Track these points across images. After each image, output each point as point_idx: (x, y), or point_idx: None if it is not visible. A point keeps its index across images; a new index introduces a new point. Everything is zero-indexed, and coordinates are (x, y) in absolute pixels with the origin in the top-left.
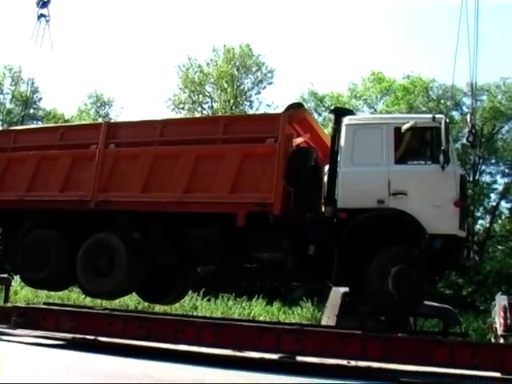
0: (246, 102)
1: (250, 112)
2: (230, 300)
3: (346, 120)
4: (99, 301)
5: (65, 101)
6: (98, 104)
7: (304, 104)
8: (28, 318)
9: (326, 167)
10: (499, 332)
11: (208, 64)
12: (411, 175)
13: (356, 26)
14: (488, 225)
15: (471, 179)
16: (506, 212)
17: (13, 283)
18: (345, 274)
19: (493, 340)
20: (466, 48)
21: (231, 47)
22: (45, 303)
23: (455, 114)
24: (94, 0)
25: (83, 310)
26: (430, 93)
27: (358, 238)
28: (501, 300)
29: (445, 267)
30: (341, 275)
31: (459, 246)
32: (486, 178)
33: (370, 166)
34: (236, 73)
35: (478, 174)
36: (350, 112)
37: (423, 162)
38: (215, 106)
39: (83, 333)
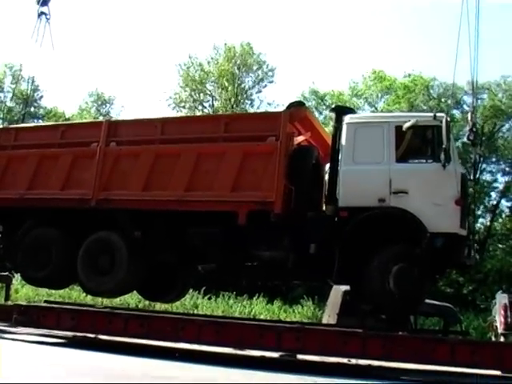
0: (246, 101)
1: (251, 110)
2: (230, 298)
3: (347, 118)
4: (100, 299)
5: (66, 99)
6: (99, 102)
7: (305, 102)
8: (29, 316)
9: (327, 166)
10: (499, 330)
11: (209, 62)
12: (412, 174)
13: (357, 25)
14: (488, 223)
15: (472, 178)
16: (507, 210)
17: (13, 281)
18: (346, 273)
19: (493, 338)
20: (466, 46)
21: (232, 46)
22: (45, 301)
23: (456, 113)
24: None
25: (84, 308)
26: (431, 91)
27: (359, 237)
28: (501, 298)
29: (446, 266)
30: (342, 274)
31: (460, 245)
32: (487, 177)
33: (371, 165)
34: (237, 71)
35: (478, 172)
36: (351, 110)
37: (424, 161)
38: (216, 104)
39: (84, 331)
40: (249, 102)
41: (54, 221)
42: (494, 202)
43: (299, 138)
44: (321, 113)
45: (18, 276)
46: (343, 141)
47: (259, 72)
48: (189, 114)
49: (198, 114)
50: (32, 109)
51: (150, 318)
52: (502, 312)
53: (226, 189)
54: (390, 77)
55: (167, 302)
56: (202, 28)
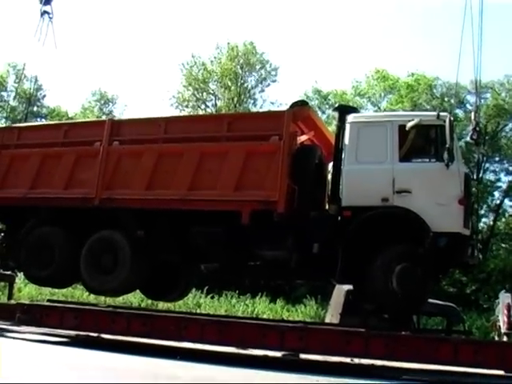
0: (249, 100)
1: (254, 110)
2: (233, 298)
3: (351, 118)
4: (103, 298)
5: (68, 98)
6: (102, 101)
7: (308, 102)
8: (32, 315)
9: (330, 165)
10: (503, 330)
11: (212, 62)
12: (415, 173)
13: (360, 24)
14: (492, 223)
15: (475, 177)
16: (510, 210)
17: (17, 280)
18: (349, 272)
19: (496, 338)
20: (470, 46)
21: (235, 45)
22: (49, 300)
23: (459, 112)
24: None
25: (87, 307)
26: (434, 91)
27: (362, 236)
28: (504, 298)
29: (449, 265)
30: (345, 273)
31: (463, 244)
32: (490, 176)
33: (375, 164)
34: (240, 70)
35: (481, 171)
36: (354, 110)
37: (427, 160)
38: (219, 103)
39: (87, 330)
40: (252, 102)
41: (57, 220)
42: (498, 202)
43: (302, 138)
44: (324, 112)
45: (21, 275)
46: (346, 140)
47: (262, 71)
48: (192, 114)
49: (201, 113)
50: (35, 108)
51: (152, 317)
52: (505, 311)
53: (229, 188)
54: (393, 76)
55: (170, 301)
56: (205, 27)
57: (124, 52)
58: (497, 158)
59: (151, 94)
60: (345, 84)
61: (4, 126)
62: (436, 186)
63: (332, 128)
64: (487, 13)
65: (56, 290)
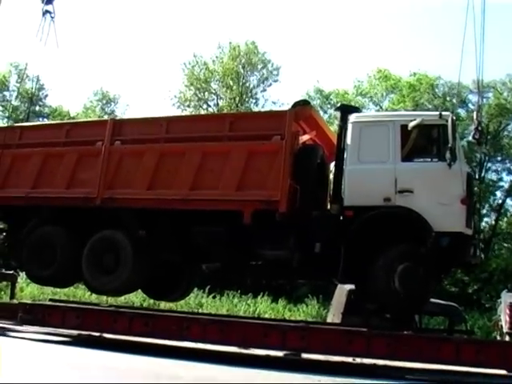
0: (251, 100)
1: (256, 109)
2: (235, 297)
3: (353, 118)
4: (105, 298)
5: (70, 98)
6: (104, 101)
7: (310, 101)
8: (34, 315)
9: (332, 165)
10: (505, 330)
11: (214, 61)
12: (418, 173)
13: (362, 24)
14: (494, 222)
15: (477, 177)
16: None
17: (19, 280)
18: (351, 272)
19: (498, 338)
20: (472, 45)
21: (237, 44)
22: (51, 300)
23: (461, 112)
24: None
25: (89, 306)
26: (436, 90)
27: (364, 236)
28: (506, 297)
29: (451, 265)
30: (347, 273)
31: (466, 244)
32: (492, 176)
33: (377, 164)
34: (242, 70)
35: (483, 171)
36: (356, 109)
37: (430, 160)
38: (221, 103)
39: (89, 329)
40: (253, 101)
41: (58, 219)
42: (500, 201)
43: (304, 137)
44: (325, 112)
45: (23, 274)
46: (348, 140)
47: (264, 71)
48: (194, 113)
49: (203, 112)
50: (37, 107)
51: (154, 317)
52: (508, 311)
53: (231, 188)
54: (395, 76)
55: (172, 301)
56: (207, 27)
57: (126, 52)
58: (499, 158)
59: (153, 94)
60: (347, 84)
61: (6, 125)
62: (438, 185)
63: (334, 128)
64: (489, 12)
65: (58, 290)
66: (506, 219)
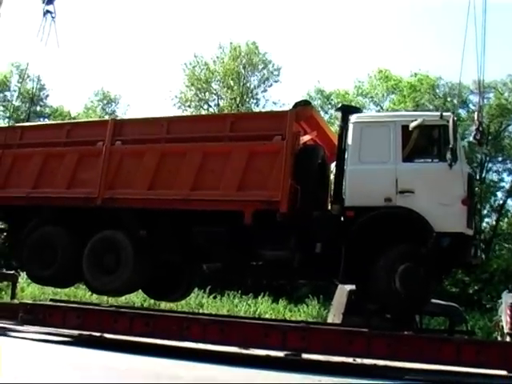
0: (252, 100)
1: (257, 110)
2: (235, 297)
3: (354, 118)
4: (105, 298)
5: (71, 98)
6: (105, 101)
7: (311, 102)
8: (35, 315)
9: (333, 165)
10: (505, 330)
11: (214, 62)
12: (419, 173)
13: (362, 24)
14: (494, 223)
15: (478, 177)
16: None
17: (19, 280)
18: (352, 272)
19: (499, 338)
20: (473, 45)
21: (237, 45)
22: (51, 300)
23: (462, 112)
24: None
25: (90, 307)
26: (437, 90)
27: (365, 236)
28: (507, 298)
29: (452, 265)
30: (348, 273)
31: (466, 244)
32: (493, 176)
33: (378, 164)
34: (242, 70)
35: (484, 171)
36: (357, 110)
37: (430, 160)
38: (221, 103)
39: (90, 330)
40: (254, 102)
41: (59, 219)
42: (500, 202)
43: (305, 138)
44: (326, 112)
45: (23, 274)
46: (349, 140)
47: (265, 71)
48: (194, 114)
49: (204, 113)
50: (38, 108)
51: (155, 317)
52: (508, 312)
53: (231, 188)
54: (396, 76)
55: (172, 301)
56: (208, 27)
57: (127, 52)
58: (500, 158)
59: (154, 94)
60: (347, 84)
61: (7, 125)
62: (439, 186)
63: (334, 128)
64: (490, 12)
65: (59, 290)
66: (506, 220)
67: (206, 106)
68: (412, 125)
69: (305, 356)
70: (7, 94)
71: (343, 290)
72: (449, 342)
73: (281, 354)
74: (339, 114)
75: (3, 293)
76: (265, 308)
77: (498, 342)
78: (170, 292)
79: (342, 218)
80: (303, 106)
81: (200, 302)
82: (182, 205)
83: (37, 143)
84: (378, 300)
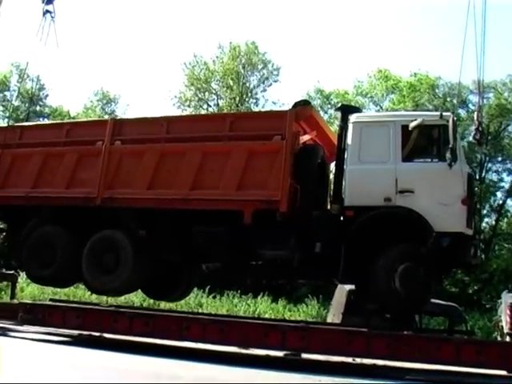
0: (251, 100)
1: (256, 109)
2: (235, 297)
3: (353, 118)
4: (105, 298)
5: (71, 98)
6: (104, 101)
7: (310, 101)
8: (34, 315)
9: (333, 165)
10: (505, 330)
11: (214, 61)
12: (418, 173)
13: (362, 24)
14: (494, 223)
15: (477, 177)
16: None
17: (19, 280)
18: (351, 272)
19: (499, 338)
20: (472, 45)
21: (237, 44)
22: (51, 300)
23: (461, 112)
24: None
25: (89, 306)
26: (436, 90)
27: (364, 236)
28: (507, 298)
29: (451, 265)
30: (347, 273)
31: (466, 244)
32: (493, 176)
33: (377, 164)
34: (242, 70)
35: (484, 171)
36: (356, 110)
37: (430, 160)
38: (221, 103)
39: (89, 329)
40: (254, 101)
41: (58, 219)
42: (500, 202)
43: (305, 137)
44: (326, 112)
45: (23, 274)
46: (349, 140)
47: (264, 71)
48: (194, 113)
49: (203, 113)
50: (37, 107)
51: (154, 317)
52: (508, 312)
53: (231, 188)
54: (396, 76)
55: (171, 301)
56: (207, 27)
57: (126, 52)
58: (499, 158)
59: (153, 94)
60: (347, 84)
61: (6, 125)
62: (439, 185)
63: (334, 128)
64: (490, 12)
65: (58, 290)
66: (506, 220)
67: (205, 106)
68: (412, 125)
69: (304, 356)
70: (7, 93)
71: (343, 290)
72: (448, 342)
73: (280, 353)
74: (339, 114)
75: (3, 293)
76: (264, 308)
77: (498, 342)
78: (169, 292)
79: (342, 218)
80: (303, 105)
81: (199, 302)
82: (182, 204)
83: (36, 143)
84: (377, 300)
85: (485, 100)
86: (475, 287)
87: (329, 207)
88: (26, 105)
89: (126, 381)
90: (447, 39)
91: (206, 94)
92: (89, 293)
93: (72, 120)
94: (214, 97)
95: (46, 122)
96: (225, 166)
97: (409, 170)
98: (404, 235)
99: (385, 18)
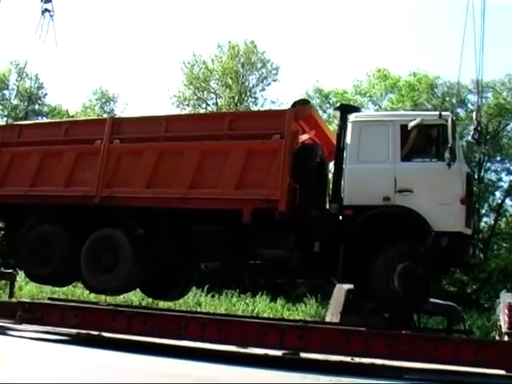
0: (250, 99)
1: (255, 109)
2: (233, 296)
3: (352, 117)
4: (103, 296)
5: (70, 97)
6: (103, 100)
7: (309, 101)
8: (33, 314)
9: (331, 164)
10: (503, 329)
11: (213, 60)
12: (417, 172)
13: (361, 23)
14: (493, 222)
15: (476, 177)
16: (511, 210)
17: (17, 278)
18: (350, 271)
19: (497, 337)
20: (471, 45)
21: (236, 44)
22: (49, 298)
23: (460, 111)
24: None
25: (88, 305)
26: (435, 90)
27: (363, 235)
28: (505, 297)
29: (450, 265)
30: (346, 272)
31: (465, 244)
32: (491, 176)
33: (376, 163)
34: (241, 69)
35: (482, 171)
36: (355, 109)
37: (429, 160)
38: (220, 102)
39: (88, 328)
40: (253, 101)
41: (57, 218)
42: (499, 201)
43: (304, 137)
44: (325, 111)
45: (21, 273)
46: (348, 139)
47: (263, 70)
48: (192, 112)
49: (202, 112)
50: (36, 106)
51: (153, 316)
52: (506, 311)
53: (230, 187)
54: (394, 75)
55: (170, 300)
56: (206, 26)
57: (125, 51)
58: (498, 158)
59: (152, 93)
60: (346, 83)
61: (5, 123)
62: (438, 185)
63: (333, 127)
64: (489, 12)
65: (57, 289)
66: (505, 219)
67: (204, 105)
68: (411, 124)
69: (303, 355)
70: (6, 92)
71: (341, 289)
72: (447, 342)
73: (279, 352)
74: (338, 113)
75: (1, 291)
76: (263, 307)
77: (496, 342)
78: (168, 291)
79: (341, 217)
80: (302, 105)
81: (198, 301)
82: (181, 203)
83: (35, 141)
84: (376, 299)
85: (483, 99)
86: (474, 287)
87: (328, 206)
88: (25, 103)
89: (125, 380)
90: (446, 39)
91: (205, 93)
92: (87, 292)
93: (71, 119)
94: (213, 96)
95: (45, 120)
96: (224, 164)
97: (408, 169)
98: (403, 235)
99: (384, 17)
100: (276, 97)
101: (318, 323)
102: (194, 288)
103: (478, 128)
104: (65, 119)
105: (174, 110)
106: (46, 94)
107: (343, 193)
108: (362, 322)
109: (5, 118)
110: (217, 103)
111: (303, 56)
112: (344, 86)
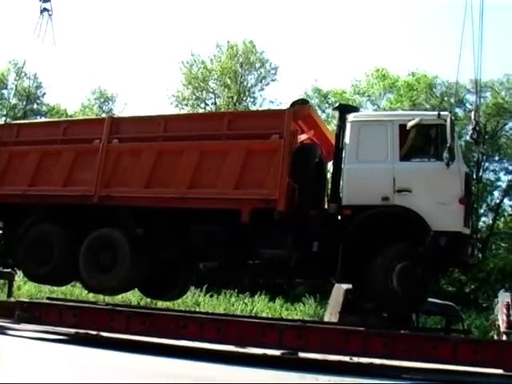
0: (249, 99)
1: (254, 109)
2: (232, 296)
3: (351, 117)
4: (102, 296)
5: (68, 96)
6: (102, 100)
7: (308, 101)
8: (31, 313)
9: (330, 164)
10: (502, 329)
11: (211, 60)
12: (416, 172)
13: (360, 23)
14: (491, 222)
15: (475, 176)
16: (509, 209)
17: (16, 278)
18: (349, 271)
19: (495, 337)
20: (470, 45)
21: (235, 43)
22: (48, 298)
23: (459, 111)
24: None
25: (86, 305)
26: (434, 90)
27: (362, 235)
28: (504, 297)
29: (449, 264)
30: (345, 272)
31: (463, 244)
32: (490, 175)
33: (375, 163)
34: (239, 69)
35: (481, 171)
36: (354, 109)
37: (428, 160)
38: (218, 102)
39: (86, 328)
40: (251, 100)
41: (55, 217)
42: (497, 201)
43: (302, 136)
44: (323, 111)
45: (20, 273)
46: (347, 139)
47: (262, 70)
48: (191, 112)
49: (201, 111)
50: (35, 106)
51: (151, 316)
52: (505, 311)
53: (229, 186)
54: (393, 75)
55: (168, 300)
56: (205, 26)
57: (124, 50)
58: (496, 158)
59: (151, 93)
60: (344, 83)
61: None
62: (436, 185)
63: (332, 127)
64: (487, 12)
65: (55, 288)
66: (503, 219)
67: (202, 105)
68: (409, 124)
69: (301, 355)
70: (4, 91)
71: (340, 289)
72: (445, 341)
73: (277, 352)
74: (336, 113)
75: (0, 291)
76: (261, 307)
77: (495, 341)
78: (166, 291)
79: (340, 217)
80: (301, 104)
81: (197, 301)
82: (179, 203)
83: (33, 141)
84: (374, 299)
85: (482, 99)
86: (472, 286)
87: (326, 206)
88: (23, 103)
89: (124, 380)
90: (445, 39)
91: (204, 92)
92: (86, 291)
93: (69, 118)
94: (212, 96)
95: (43, 120)
96: (222, 164)
97: (406, 169)
98: (401, 234)
99: (382, 17)
100: (275, 97)
101: (317, 323)
102: (192, 288)
103: (477, 128)
104: (63, 119)
105: (172, 110)
106: (44, 94)
107: (342, 193)
108: (360, 322)
109: (3, 118)
110: (215, 103)
111: (302, 56)
112: (343, 85)
